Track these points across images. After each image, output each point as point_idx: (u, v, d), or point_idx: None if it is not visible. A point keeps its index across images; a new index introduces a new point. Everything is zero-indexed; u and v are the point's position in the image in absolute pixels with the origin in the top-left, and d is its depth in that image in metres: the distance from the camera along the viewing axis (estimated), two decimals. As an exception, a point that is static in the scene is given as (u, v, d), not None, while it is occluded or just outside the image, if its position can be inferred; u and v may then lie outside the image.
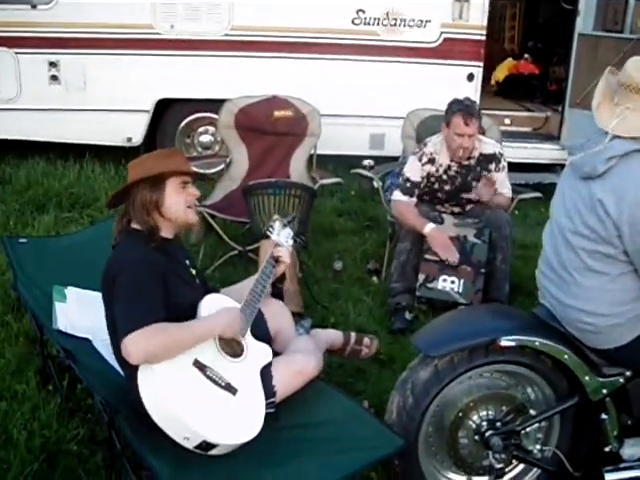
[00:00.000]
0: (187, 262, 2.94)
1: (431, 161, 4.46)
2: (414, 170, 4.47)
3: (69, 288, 3.46)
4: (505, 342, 2.60)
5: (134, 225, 2.79)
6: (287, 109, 5.27)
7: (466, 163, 4.46)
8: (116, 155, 6.31)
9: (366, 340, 3.47)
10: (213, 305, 2.81)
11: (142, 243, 2.74)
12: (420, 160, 4.47)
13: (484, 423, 2.76)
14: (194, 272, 2.95)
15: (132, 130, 6.17)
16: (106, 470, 2.85)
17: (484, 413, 2.77)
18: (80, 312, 3.29)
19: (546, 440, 2.86)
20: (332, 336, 3.39)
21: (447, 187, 4.51)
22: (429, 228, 4.26)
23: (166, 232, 2.83)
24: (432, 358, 2.66)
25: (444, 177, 4.49)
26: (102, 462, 2.90)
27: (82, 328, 3.21)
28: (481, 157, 4.48)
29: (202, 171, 5.62)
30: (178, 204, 2.79)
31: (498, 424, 2.75)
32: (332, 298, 4.54)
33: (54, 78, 5.96)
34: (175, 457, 2.49)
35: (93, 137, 6.17)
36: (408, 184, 4.46)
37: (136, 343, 2.47)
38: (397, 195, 4.50)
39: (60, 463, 2.90)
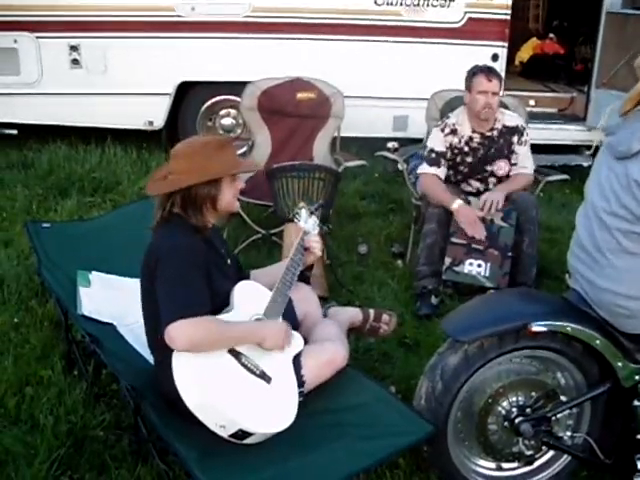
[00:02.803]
0: (223, 251, 2.92)
1: (453, 132, 4.43)
2: (437, 140, 4.44)
3: (93, 273, 3.45)
4: (536, 327, 2.55)
5: (177, 210, 2.74)
6: (310, 91, 5.22)
7: (488, 134, 4.42)
8: (138, 139, 6.31)
9: (385, 317, 3.40)
10: (246, 292, 2.80)
11: (186, 229, 2.70)
12: (443, 131, 4.44)
13: (514, 409, 2.71)
14: (229, 261, 2.92)
15: (153, 113, 6.13)
16: (132, 456, 2.85)
17: (514, 399, 2.72)
18: (105, 297, 3.28)
19: (577, 427, 2.82)
20: (352, 315, 3.34)
21: (469, 159, 4.46)
22: (457, 204, 4.21)
23: (212, 221, 2.82)
24: (462, 343, 2.62)
25: (466, 149, 4.44)
26: (128, 448, 2.90)
27: (107, 313, 3.20)
28: (504, 129, 4.44)
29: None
30: (229, 197, 2.77)
31: (528, 410, 2.71)
32: (357, 282, 4.50)
33: (75, 62, 5.93)
34: (202, 442, 2.47)
35: (114, 121, 6.14)
36: (433, 154, 4.42)
37: (183, 331, 2.45)
38: (423, 168, 4.45)
39: (86, 449, 2.89)
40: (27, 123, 6.10)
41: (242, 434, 2.46)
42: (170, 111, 6.17)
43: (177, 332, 2.45)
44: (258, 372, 2.59)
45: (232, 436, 2.47)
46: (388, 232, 5.20)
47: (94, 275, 3.44)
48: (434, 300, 4.20)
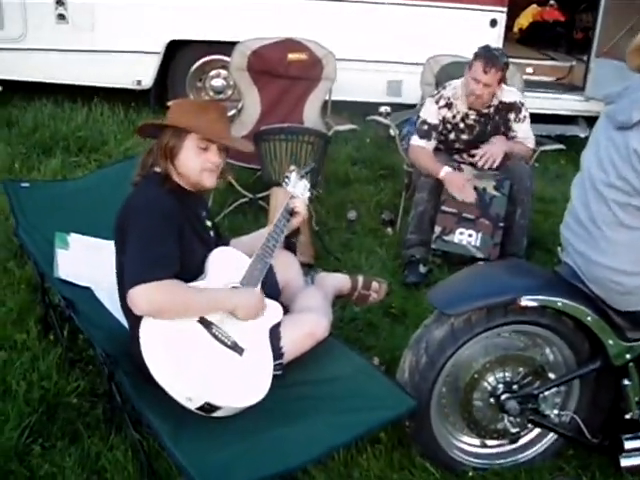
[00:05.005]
0: (204, 214, 2.82)
1: (448, 106, 4.31)
2: (431, 112, 4.33)
3: (72, 235, 3.34)
4: (526, 302, 2.48)
5: (157, 168, 2.67)
6: (302, 52, 5.09)
7: (485, 111, 4.31)
8: (125, 98, 6.17)
9: (374, 285, 3.29)
10: (222, 259, 2.71)
11: (162, 187, 2.62)
12: (437, 103, 4.32)
13: (500, 385, 2.65)
14: (209, 224, 2.83)
15: (142, 73, 5.98)
16: (106, 424, 2.77)
17: (500, 375, 2.66)
18: (83, 260, 3.17)
19: (564, 405, 2.76)
20: (339, 282, 3.23)
21: (464, 136, 4.35)
22: (444, 172, 4.13)
23: (183, 183, 2.70)
24: (448, 316, 2.55)
25: (461, 125, 4.33)
26: (102, 416, 2.82)
27: (84, 276, 3.09)
28: (500, 105, 4.32)
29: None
30: (193, 163, 2.65)
31: (515, 387, 2.65)
32: (344, 249, 4.42)
33: (61, 17, 5.75)
34: (176, 414, 2.39)
35: (102, 79, 5.99)
36: (425, 126, 4.32)
37: (145, 294, 2.38)
38: (414, 140, 4.36)
39: (59, 416, 2.82)
40: (11, 79, 5.93)
41: (209, 407, 2.38)
42: (159, 70, 6.02)
43: (139, 295, 2.38)
44: (229, 343, 2.50)
45: (199, 409, 2.39)
46: (378, 199, 5.11)
47: (73, 237, 3.32)
48: (422, 269, 4.12)
